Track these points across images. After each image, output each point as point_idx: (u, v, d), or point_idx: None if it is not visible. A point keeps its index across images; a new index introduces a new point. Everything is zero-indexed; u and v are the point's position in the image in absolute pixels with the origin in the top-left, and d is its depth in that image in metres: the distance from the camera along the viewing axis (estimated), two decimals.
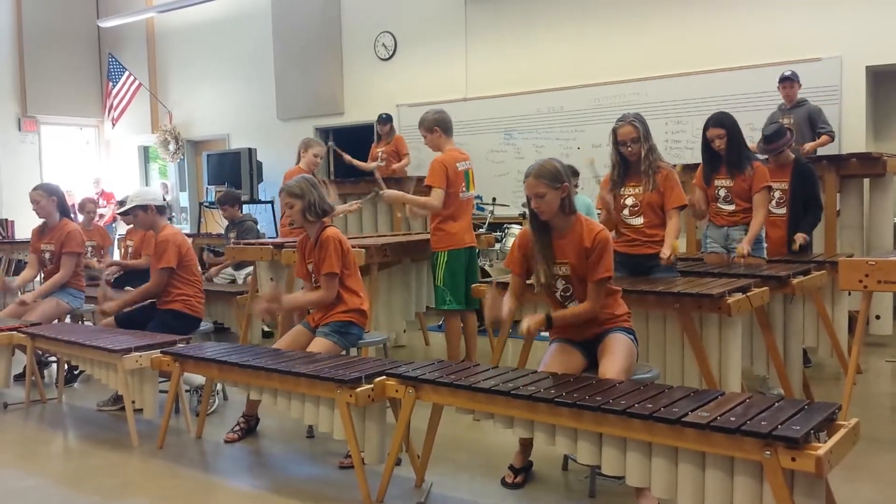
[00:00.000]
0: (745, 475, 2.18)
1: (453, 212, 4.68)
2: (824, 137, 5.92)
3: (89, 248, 6.68)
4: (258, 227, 6.85)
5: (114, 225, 11.02)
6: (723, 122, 4.33)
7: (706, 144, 4.41)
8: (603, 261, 3.02)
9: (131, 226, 6.19)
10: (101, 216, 11.03)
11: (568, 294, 3.17)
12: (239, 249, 5.24)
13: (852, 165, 5.33)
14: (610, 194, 3.97)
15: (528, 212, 3.17)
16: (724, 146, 4.32)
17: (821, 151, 5.99)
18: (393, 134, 7.88)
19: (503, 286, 4.05)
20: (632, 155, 3.87)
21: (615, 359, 2.94)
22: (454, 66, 8.91)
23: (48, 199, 5.13)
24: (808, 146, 5.88)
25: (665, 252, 3.74)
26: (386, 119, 7.85)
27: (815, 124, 5.95)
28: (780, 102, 6.19)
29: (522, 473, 3.20)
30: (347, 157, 8.10)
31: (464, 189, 4.71)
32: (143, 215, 4.50)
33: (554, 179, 3.03)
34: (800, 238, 4.64)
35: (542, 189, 3.03)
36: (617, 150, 3.92)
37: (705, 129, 4.40)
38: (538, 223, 3.13)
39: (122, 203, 6.18)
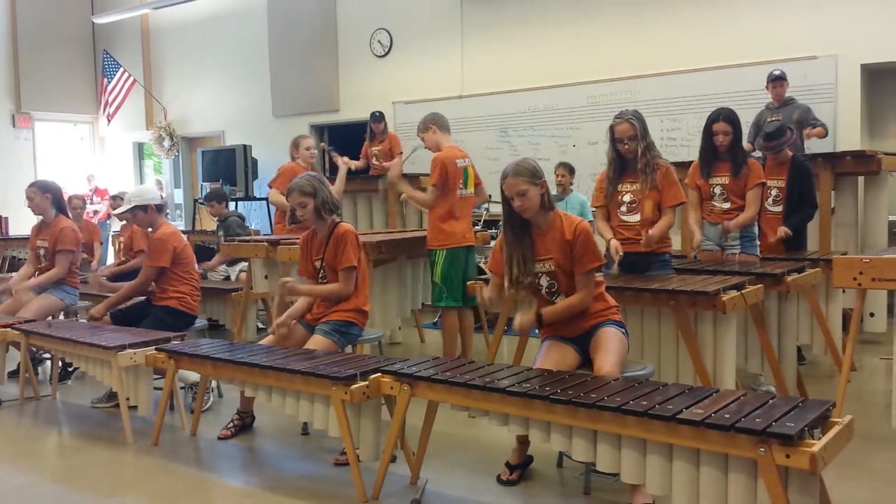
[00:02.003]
0: (740, 472, 2.18)
1: (451, 210, 4.68)
2: (819, 129, 5.91)
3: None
4: (247, 223, 6.84)
5: (108, 221, 10.99)
6: (732, 118, 4.30)
7: (708, 138, 4.39)
8: (588, 251, 3.05)
9: (124, 223, 6.19)
10: (96, 212, 11.00)
11: (554, 290, 3.18)
12: (234, 246, 5.23)
13: (847, 163, 5.34)
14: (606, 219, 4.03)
15: (504, 214, 3.17)
16: (727, 143, 4.31)
17: (816, 148, 6.00)
18: (387, 132, 7.83)
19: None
20: (628, 152, 3.87)
21: (608, 353, 2.95)
22: (450, 63, 8.89)
23: (42, 196, 5.12)
24: (810, 132, 5.85)
25: (653, 232, 3.74)
26: (379, 117, 7.81)
27: (804, 122, 5.95)
28: (767, 101, 6.19)
29: (518, 470, 3.21)
30: (340, 160, 8.03)
31: (461, 187, 4.71)
32: (143, 215, 4.50)
33: (533, 176, 3.06)
34: (781, 231, 4.64)
35: (524, 186, 3.04)
36: (614, 147, 3.91)
37: (712, 122, 4.34)
38: (517, 222, 3.13)
39: (115, 198, 6.17)
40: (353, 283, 3.73)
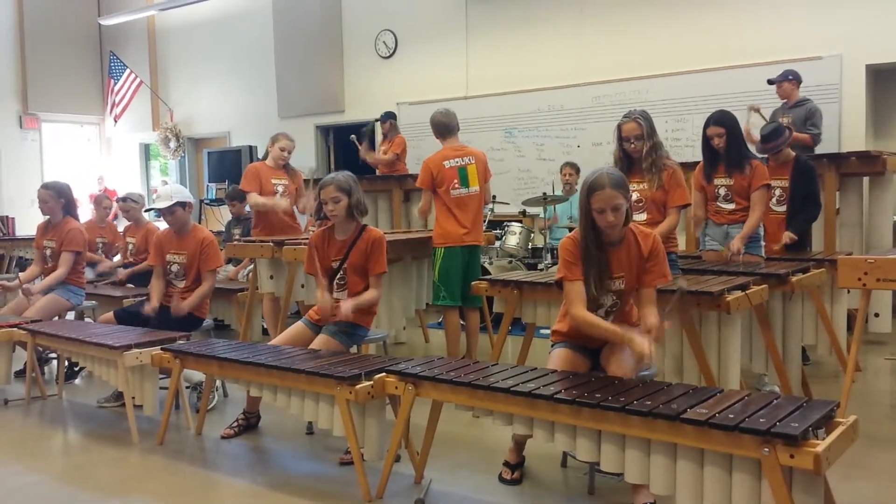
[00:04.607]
0: (744, 472, 2.18)
1: (447, 209, 4.71)
2: (805, 136, 5.85)
3: (101, 245, 6.71)
4: None
5: (115, 222, 11.02)
6: (722, 120, 4.32)
7: (706, 142, 4.41)
8: (662, 266, 2.95)
9: (131, 223, 6.21)
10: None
11: (614, 310, 3.02)
12: (240, 246, 5.24)
13: (852, 163, 5.33)
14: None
15: (584, 228, 2.90)
16: (723, 144, 4.32)
17: (819, 149, 5.98)
18: (395, 132, 7.77)
19: (513, 284, 4.06)
20: (635, 152, 3.88)
21: (625, 358, 2.89)
22: (455, 64, 8.90)
23: (56, 200, 5.16)
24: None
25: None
26: (384, 118, 7.78)
27: (800, 125, 5.93)
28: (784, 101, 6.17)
29: (518, 469, 3.21)
30: (364, 150, 8.03)
31: (457, 185, 4.72)
32: (182, 212, 4.53)
33: (626, 188, 2.84)
34: (786, 237, 4.65)
35: (621, 200, 2.80)
36: (620, 145, 3.92)
37: (706, 126, 4.39)
38: (593, 237, 2.89)
39: (124, 200, 6.18)
40: (381, 288, 3.77)
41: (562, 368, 2.97)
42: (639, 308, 3.03)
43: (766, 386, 4.24)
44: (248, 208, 6.98)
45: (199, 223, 10.18)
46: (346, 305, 3.62)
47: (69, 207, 5.26)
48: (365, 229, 3.78)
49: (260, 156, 9.82)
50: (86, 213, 7.25)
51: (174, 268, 4.55)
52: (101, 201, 6.91)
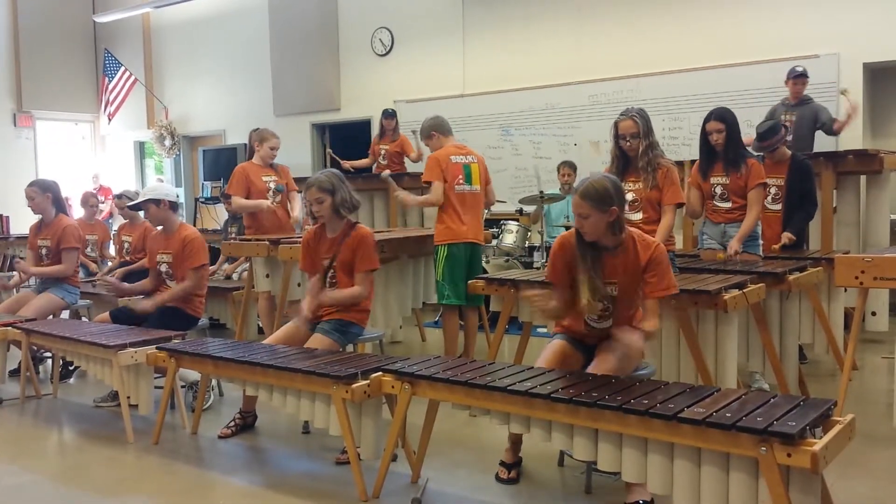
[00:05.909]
0: (741, 471, 2.18)
1: (450, 205, 4.69)
2: (840, 122, 5.88)
3: (91, 242, 6.68)
4: None
5: (110, 220, 10.99)
6: (724, 117, 4.31)
7: (704, 138, 4.40)
8: (665, 276, 2.88)
9: (126, 221, 6.19)
10: (100, 210, 11.00)
11: (607, 314, 2.99)
12: (236, 245, 5.23)
13: (849, 162, 5.33)
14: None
15: (576, 228, 2.96)
16: (721, 141, 4.31)
17: (818, 146, 5.99)
18: (398, 131, 7.77)
19: (519, 283, 4.05)
20: (631, 150, 3.87)
21: (609, 357, 2.89)
22: (451, 62, 8.89)
23: (42, 195, 5.12)
24: (841, 125, 5.89)
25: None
26: (392, 114, 7.74)
27: (820, 121, 5.92)
28: (782, 97, 6.14)
29: (515, 469, 3.20)
30: (347, 163, 8.01)
31: (461, 182, 4.71)
32: (156, 210, 4.47)
33: (600, 202, 2.80)
34: (785, 237, 4.65)
35: (586, 210, 2.83)
36: (616, 143, 3.91)
37: (705, 122, 4.36)
38: (580, 237, 2.93)
39: (119, 197, 6.16)
40: (370, 285, 3.75)
41: (553, 358, 3.00)
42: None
43: (756, 382, 4.25)
44: None
45: (195, 222, 10.17)
46: (327, 294, 3.67)
47: (59, 204, 5.20)
48: (354, 227, 3.76)
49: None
50: (78, 211, 7.23)
51: (163, 267, 4.54)
52: (87, 199, 6.88)
